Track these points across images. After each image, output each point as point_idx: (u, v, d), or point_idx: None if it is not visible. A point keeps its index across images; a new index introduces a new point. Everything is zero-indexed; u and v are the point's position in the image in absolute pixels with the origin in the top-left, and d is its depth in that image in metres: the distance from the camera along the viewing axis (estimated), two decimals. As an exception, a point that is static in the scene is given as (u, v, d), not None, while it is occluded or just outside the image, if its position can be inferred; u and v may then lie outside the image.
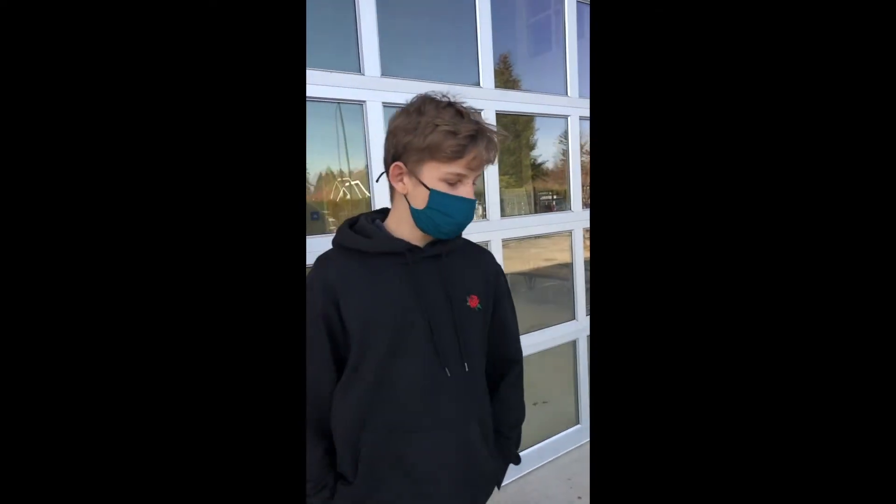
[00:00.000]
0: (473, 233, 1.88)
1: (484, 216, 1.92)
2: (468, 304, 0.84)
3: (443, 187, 0.77)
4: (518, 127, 2.23)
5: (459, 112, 0.76)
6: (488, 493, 0.91)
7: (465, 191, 0.78)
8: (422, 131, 0.75)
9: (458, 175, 0.77)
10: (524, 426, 2.21)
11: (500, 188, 2.22)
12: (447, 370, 0.80)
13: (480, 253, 0.93)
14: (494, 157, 0.80)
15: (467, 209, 0.79)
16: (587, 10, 2.21)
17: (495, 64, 1.93)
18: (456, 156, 0.75)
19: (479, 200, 1.92)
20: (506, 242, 2.00)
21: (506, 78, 2.16)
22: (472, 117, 0.77)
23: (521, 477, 2.07)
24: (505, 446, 0.94)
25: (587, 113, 2.20)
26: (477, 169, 0.79)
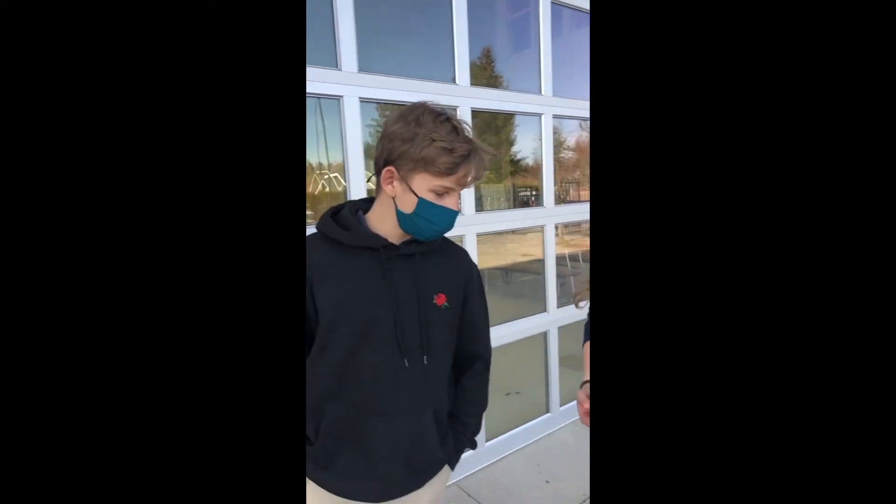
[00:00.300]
0: (448, 226, 1.93)
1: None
2: (435, 301, 0.89)
3: (431, 197, 0.81)
4: (498, 123, 2.28)
5: (456, 128, 0.80)
6: (436, 474, 0.97)
7: (451, 202, 0.83)
8: (418, 143, 0.78)
9: (447, 188, 0.81)
10: (496, 415, 2.28)
11: (481, 183, 2.28)
12: (406, 361, 0.85)
13: (455, 252, 0.97)
14: (482, 175, 0.85)
15: (451, 219, 0.85)
16: (561, 10, 2.28)
17: (477, 59, 1.98)
18: (449, 172, 0.79)
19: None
20: (483, 238, 2.06)
21: (488, 73, 2.21)
22: (467, 135, 0.82)
23: (492, 463, 2.14)
24: (462, 432, 1.00)
25: (560, 111, 2.27)
26: (465, 185, 0.84)
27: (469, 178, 0.83)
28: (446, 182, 0.81)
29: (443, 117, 0.81)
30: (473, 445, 1.03)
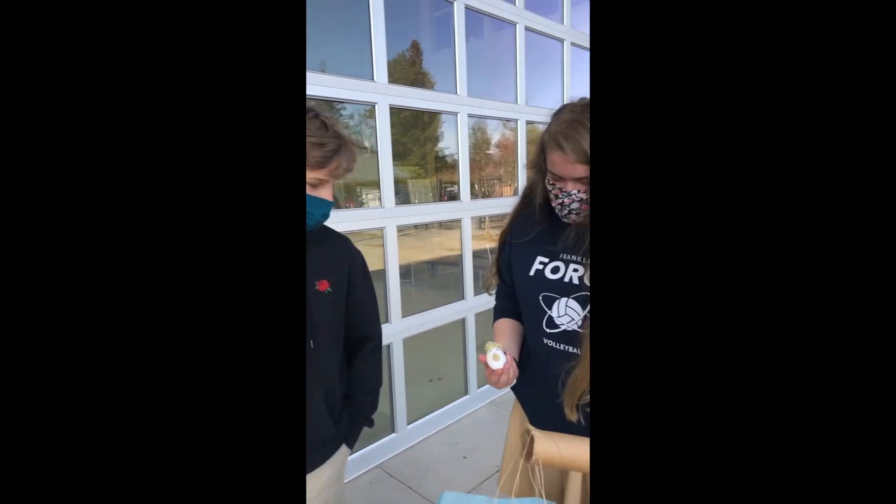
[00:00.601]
0: (369, 220, 2.00)
1: (379, 203, 2.04)
2: (317, 287, 0.94)
3: (306, 189, 0.87)
4: (425, 119, 2.37)
5: (325, 124, 0.87)
6: (333, 454, 1.02)
7: (325, 193, 0.89)
8: None
9: (321, 180, 0.88)
10: (418, 399, 2.38)
11: (408, 178, 2.36)
12: None
13: (337, 239, 1.02)
14: (354, 166, 0.92)
15: (327, 209, 0.91)
16: (474, 14, 2.41)
17: (405, 52, 2.03)
18: (320, 165, 0.86)
19: (374, 188, 2.05)
20: (410, 233, 2.15)
21: (416, 69, 2.29)
22: (336, 129, 0.88)
23: (414, 444, 2.25)
24: (357, 411, 1.05)
25: (475, 111, 2.40)
26: (338, 177, 0.91)
27: (340, 170, 0.90)
28: (319, 174, 0.87)
29: (311, 114, 0.87)
30: (371, 424, 1.09)
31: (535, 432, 0.70)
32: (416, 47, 2.25)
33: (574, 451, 0.70)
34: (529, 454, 0.70)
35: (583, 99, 0.83)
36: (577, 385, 0.83)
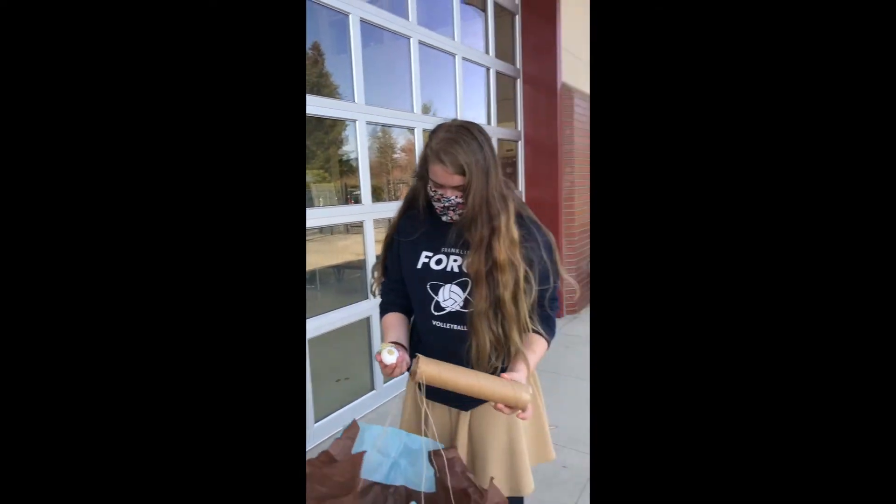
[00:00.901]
0: (270, 223, 2.03)
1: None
2: None
3: None
4: (327, 123, 2.42)
5: None
6: None
7: None
8: None
9: None
10: (326, 398, 2.42)
11: (313, 182, 2.39)
12: None
13: None
14: None
15: None
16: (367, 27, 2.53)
17: (308, 51, 2.06)
18: None
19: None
20: (314, 237, 2.19)
21: (319, 70, 2.32)
22: None
23: (324, 441, 2.31)
24: None
25: (373, 118, 2.52)
26: None
27: None
28: None
29: None
30: None
31: (420, 356, 0.86)
32: (317, 48, 2.29)
33: (452, 373, 0.87)
34: (414, 373, 0.87)
35: (455, 120, 1.01)
36: (479, 355, 0.99)
